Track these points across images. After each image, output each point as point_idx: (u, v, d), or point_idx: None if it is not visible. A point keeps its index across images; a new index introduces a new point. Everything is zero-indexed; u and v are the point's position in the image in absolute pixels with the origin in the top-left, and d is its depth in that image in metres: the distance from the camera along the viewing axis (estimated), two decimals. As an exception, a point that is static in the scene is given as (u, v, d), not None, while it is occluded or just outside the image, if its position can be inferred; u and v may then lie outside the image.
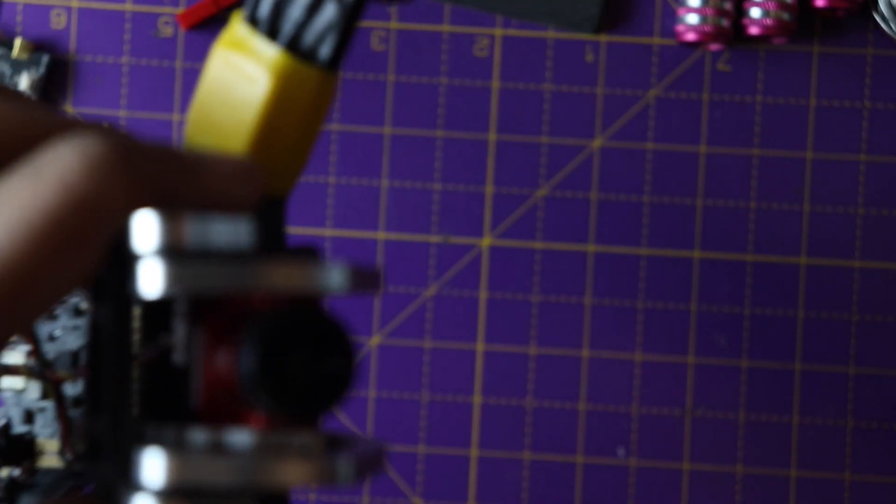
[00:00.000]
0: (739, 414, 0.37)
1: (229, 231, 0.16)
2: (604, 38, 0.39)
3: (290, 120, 0.18)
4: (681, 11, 0.38)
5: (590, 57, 0.40)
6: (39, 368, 0.20)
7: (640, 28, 0.39)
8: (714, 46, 0.38)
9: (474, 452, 0.39)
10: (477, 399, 0.39)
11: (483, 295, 0.40)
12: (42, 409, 0.21)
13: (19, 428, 0.22)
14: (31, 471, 0.21)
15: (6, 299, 0.14)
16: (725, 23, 0.37)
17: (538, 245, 0.40)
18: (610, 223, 0.39)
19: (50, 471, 0.21)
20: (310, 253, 0.18)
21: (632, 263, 0.39)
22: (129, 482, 0.16)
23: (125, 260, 0.16)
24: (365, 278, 0.17)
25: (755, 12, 0.37)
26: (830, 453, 0.37)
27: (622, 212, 0.40)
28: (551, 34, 0.39)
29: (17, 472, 0.21)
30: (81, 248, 0.14)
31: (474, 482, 0.39)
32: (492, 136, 0.40)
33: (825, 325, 0.38)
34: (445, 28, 0.40)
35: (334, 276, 0.16)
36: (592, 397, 0.39)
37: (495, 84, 0.40)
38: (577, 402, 0.39)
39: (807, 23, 0.39)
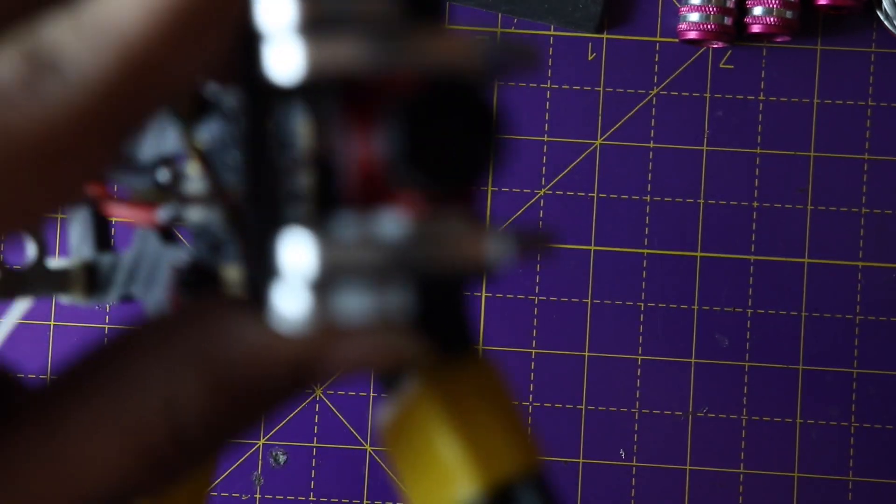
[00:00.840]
0: (742, 415, 0.37)
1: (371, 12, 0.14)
2: (605, 37, 0.39)
3: None
4: (683, 9, 0.38)
5: (592, 55, 0.39)
6: (216, 191, 0.19)
7: (642, 26, 0.39)
8: (716, 44, 0.38)
9: (475, 453, 0.39)
10: (478, 399, 0.39)
11: (484, 295, 0.40)
12: (224, 241, 0.21)
13: (204, 260, 0.21)
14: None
15: (126, 101, 0.13)
16: (728, 21, 0.37)
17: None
18: (612, 222, 0.39)
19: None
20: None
21: (634, 263, 0.39)
22: (271, 272, 0.14)
23: (255, 41, 0.14)
24: (515, 51, 0.15)
25: (758, 10, 0.37)
26: (833, 454, 0.37)
27: (624, 211, 0.39)
28: (553, 32, 0.39)
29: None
30: (204, 33, 0.14)
31: (475, 483, 0.39)
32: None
33: (828, 326, 0.37)
34: (446, 27, 0.40)
35: (490, 49, 0.14)
36: (594, 398, 0.39)
37: (496, 83, 0.40)
38: (579, 403, 0.39)
39: (809, 21, 0.38)
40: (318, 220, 0.15)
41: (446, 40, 0.14)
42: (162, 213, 0.21)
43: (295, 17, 0.13)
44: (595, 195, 0.39)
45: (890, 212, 0.38)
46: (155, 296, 0.23)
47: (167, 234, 0.22)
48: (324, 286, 0.14)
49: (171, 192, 0.21)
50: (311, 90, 0.15)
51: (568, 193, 0.39)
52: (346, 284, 0.14)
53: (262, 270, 0.15)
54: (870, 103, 0.39)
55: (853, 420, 0.37)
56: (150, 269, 0.23)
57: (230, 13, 0.14)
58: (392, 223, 0.14)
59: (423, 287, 0.15)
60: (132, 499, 0.16)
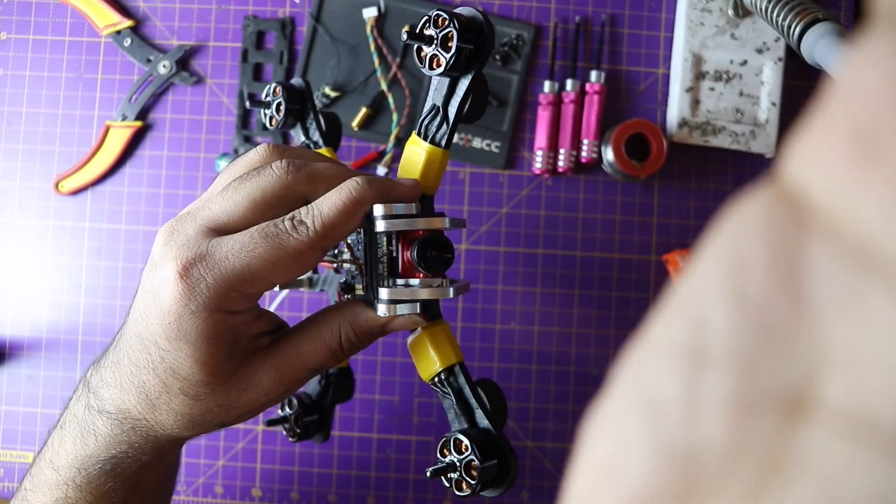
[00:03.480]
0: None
1: (409, 207, 0.32)
2: (501, 171, 0.53)
3: (432, 167, 0.35)
4: (532, 157, 0.53)
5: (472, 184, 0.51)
6: (353, 259, 0.37)
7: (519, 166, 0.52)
8: (546, 175, 0.52)
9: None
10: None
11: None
12: (355, 276, 0.39)
13: (348, 282, 0.39)
14: (353, 296, 0.39)
15: (328, 238, 0.31)
16: (555, 163, 0.52)
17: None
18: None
19: (357, 296, 0.38)
20: (440, 214, 0.34)
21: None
22: (377, 299, 0.33)
23: (371, 218, 0.32)
24: (457, 223, 0.33)
25: (566, 157, 0.53)
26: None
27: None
28: (467, 169, 0.53)
29: (347, 297, 0.39)
30: (355, 217, 0.31)
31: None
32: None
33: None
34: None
35: (445, 222, 0.32)
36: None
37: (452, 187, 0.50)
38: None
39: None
40: (391, 283, 0.33)
41: (436, 221, 0.32)
42: (335, 265, 0.40)
43: (382, 212, 0.32)
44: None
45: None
46: (331, 292, 0.43)
47: (336, 271, 0.41)
48: (391, 302, 0.33)
49: (338, 257, 0.39)
50: (388, 233, 0.33)
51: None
52: (399, 302, 0.33)
53: (372, 295, 0.33)
54: (619, 217, 0.51)
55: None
56: (330, 281, 0.44)
57: (364, 211, 0.32)
58: (415, 281, 0.33)
59: (423, 304, 0.34)
60: (322, 371, 0.33)
